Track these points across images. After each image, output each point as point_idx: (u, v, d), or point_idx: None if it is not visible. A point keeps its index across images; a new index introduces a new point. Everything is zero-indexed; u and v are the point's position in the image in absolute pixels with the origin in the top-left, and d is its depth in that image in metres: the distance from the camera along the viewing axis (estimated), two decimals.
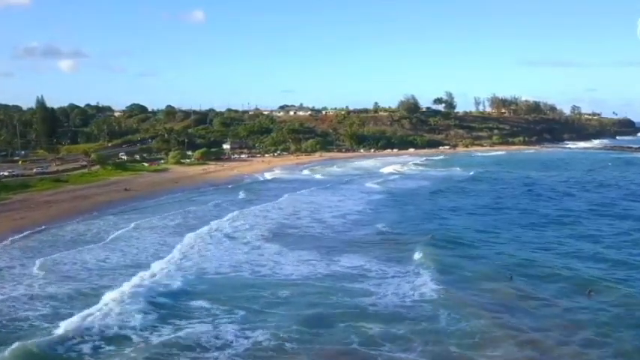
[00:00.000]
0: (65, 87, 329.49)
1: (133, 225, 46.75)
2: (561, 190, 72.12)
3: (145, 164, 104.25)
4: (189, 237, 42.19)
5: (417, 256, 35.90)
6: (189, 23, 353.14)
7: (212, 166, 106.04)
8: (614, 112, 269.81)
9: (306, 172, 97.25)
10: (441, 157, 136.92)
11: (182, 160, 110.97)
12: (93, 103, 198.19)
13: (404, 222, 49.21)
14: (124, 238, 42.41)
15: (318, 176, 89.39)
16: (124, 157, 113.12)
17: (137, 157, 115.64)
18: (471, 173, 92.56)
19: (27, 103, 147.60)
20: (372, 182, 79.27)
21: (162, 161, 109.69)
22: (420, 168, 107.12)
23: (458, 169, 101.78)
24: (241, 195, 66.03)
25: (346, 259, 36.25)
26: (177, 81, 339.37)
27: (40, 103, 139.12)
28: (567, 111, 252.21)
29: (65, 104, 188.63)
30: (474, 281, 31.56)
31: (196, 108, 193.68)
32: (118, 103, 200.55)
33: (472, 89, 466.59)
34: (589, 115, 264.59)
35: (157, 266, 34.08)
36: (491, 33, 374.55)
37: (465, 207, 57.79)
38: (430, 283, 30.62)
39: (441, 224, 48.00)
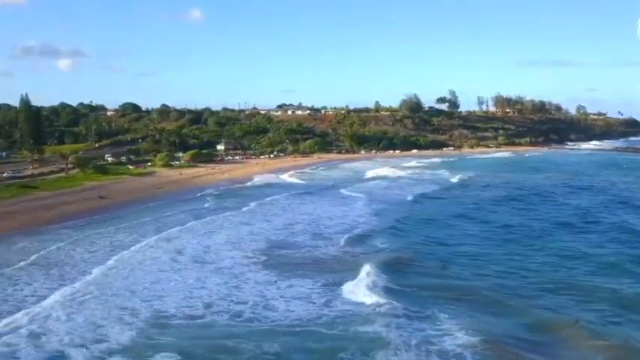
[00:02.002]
0: (64, 87, 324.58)
1: (85, 242, 40.05)
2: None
3: (130, 167, 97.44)
4: (150, 260, 35.25)
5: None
6: (188, 23, 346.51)
7: (202, 169, 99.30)
8: (619, 112, 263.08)
9: (303, 176, 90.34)
10: (451, 159, 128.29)
11: (171, 163, 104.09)
12: (94, 102, 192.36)
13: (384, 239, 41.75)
14: (61, 259, 35.48)
15: (316, 182, 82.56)
16: (109, 159, 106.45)
17: (124, 159, 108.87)
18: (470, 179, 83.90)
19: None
20: (362, 189, 71.32)
21: (149, 164, 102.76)
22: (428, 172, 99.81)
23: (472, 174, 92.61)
24: (227, 203, 58.88)
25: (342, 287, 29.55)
26: (177, 81, 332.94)
27: (24, 102, 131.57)
28: (571, 111, 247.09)
29: (69, 104, 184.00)
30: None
31: (192, 107, 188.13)
32: (117, 103, 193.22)
33: (472, 89, 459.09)
34: (595, 115, 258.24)
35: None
36: (490, 33, 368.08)
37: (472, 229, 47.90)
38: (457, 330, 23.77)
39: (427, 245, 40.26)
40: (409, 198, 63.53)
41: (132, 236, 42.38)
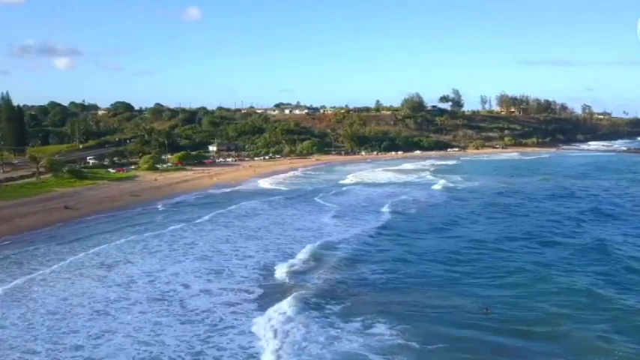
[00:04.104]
0: (62, 86, 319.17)
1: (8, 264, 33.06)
2: None
3: (112, 171, 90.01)
4: (81, 298, 27.73)
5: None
6: (186, 21, 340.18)
7: (190, 173, 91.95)
8: (624, 112, 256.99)
9: (298, 180, 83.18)
10: (456, 162, 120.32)
11: (157, 166, 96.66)
12: (87, 101, 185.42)
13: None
14: None
15: (314, 186, 75.25)
16: (91, 162, 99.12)
17: (107, 161, 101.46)
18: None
19: (21, 101, 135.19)
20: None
21: (132, 167, 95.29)
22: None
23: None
24: (208, 216, 50.93)
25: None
26: (174, 80, 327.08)
27: (5, 101, 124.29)
28: (575, 110, 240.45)
29: (65, 103, 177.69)
30: None
31: (186, 106, 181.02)
32: (114, 101, 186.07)
33: (471, 89, 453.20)
34: (600, 114, 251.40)
35: None
36: (490, 32, 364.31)
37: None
38: None
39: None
40: (386, 209, 54.89)
41: (75, 256, 34.97)
